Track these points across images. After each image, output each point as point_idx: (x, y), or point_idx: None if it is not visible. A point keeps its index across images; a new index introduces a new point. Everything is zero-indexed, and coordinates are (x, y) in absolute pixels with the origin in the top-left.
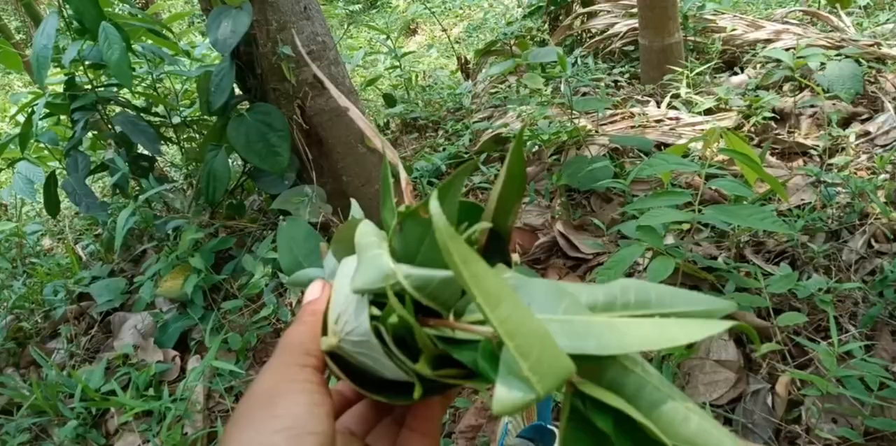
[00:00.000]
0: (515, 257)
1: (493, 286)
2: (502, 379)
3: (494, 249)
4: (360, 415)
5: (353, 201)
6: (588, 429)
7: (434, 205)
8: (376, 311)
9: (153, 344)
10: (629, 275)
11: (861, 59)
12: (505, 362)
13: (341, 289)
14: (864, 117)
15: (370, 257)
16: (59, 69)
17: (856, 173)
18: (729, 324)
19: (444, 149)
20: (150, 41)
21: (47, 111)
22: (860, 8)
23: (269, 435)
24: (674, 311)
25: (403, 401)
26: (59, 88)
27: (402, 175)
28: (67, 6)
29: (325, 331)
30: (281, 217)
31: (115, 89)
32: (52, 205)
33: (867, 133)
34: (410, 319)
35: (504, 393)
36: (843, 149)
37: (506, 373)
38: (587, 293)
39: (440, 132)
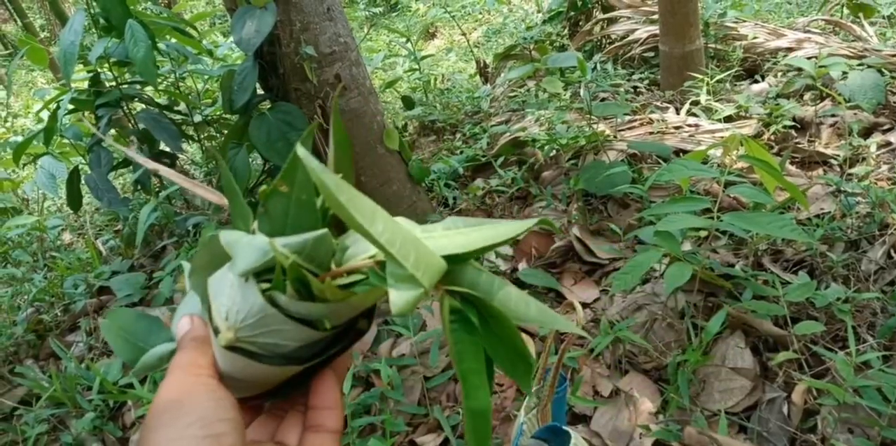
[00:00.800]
0: None
1: (366, 206)
2: (392, 285)
3: None
4: (259, 424)
5: (184, 263)
6: (464, 327)
7: (301, 150)
8: (265, 286)
9: None
10: (645, 280)
11: (884, 70)
12: (390, 273)
13: (221, 292)
14: (885, 127)
15: (244, 244)
16: (83, 66)
17: (876, 183)
18: (533, 221)
19: (461, 152)
20: (174, 40)
21: (72, 107)
22: (884, 18)
23: (183, 429)
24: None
25: (299, 390)
26: (84, 85)
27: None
28: (94, 3)
29: (216, 334)
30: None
31: (138, 86)
32: (75, 200)
33: (888, 143)
34: (306, 274)
35: (397, 295)
36: (863, 159)
37: (393, 280)
38: (429, 227)
39: (458, 135)
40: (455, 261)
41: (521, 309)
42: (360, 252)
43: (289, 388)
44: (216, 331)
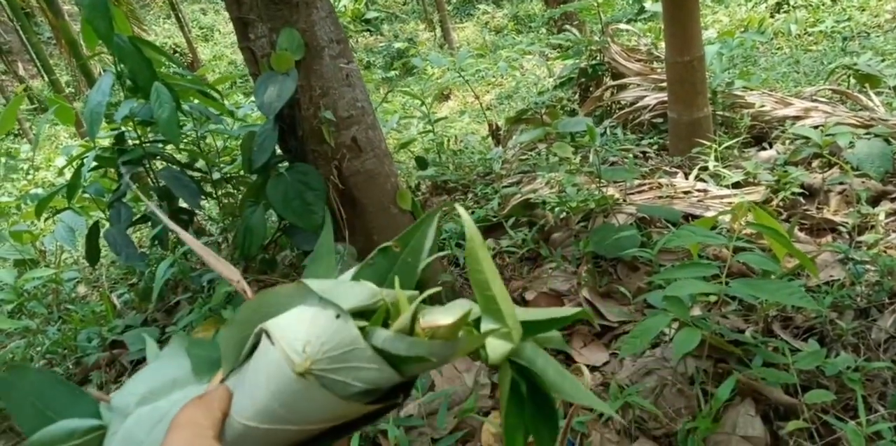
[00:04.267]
0: None
1: (494, 272)
2: (490, 339)
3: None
4: None
5: (147, 337)
6: (516, 391)
7: (462, 211)
8: (362, 323)
9: None
10: (655, 344)
11: (891, 139)
12: (484, 330)
13: (291, 330)
14: (893, 196)
15: (348, 287)
16: (107, 123)
17: (885, 252)
18: (574, 310)
19: (472, 213)
20: (196, 101)
21: (96, 164)
22: (889, 88)
23: None
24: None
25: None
26: (107, 142)
27: (249, 292)
28: (122, 65)
29: (290, 364)
30: None
31: (160, 145)
32: (93, 254)
33: None
34: (416, 317)
35: (496, 345)
36: (872, 226)
37: (493, 333)
38: None
39: (469, 195)
40: (529, 330)
41: (574, 391)
42: (436, 318)
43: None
44: (290, 363)
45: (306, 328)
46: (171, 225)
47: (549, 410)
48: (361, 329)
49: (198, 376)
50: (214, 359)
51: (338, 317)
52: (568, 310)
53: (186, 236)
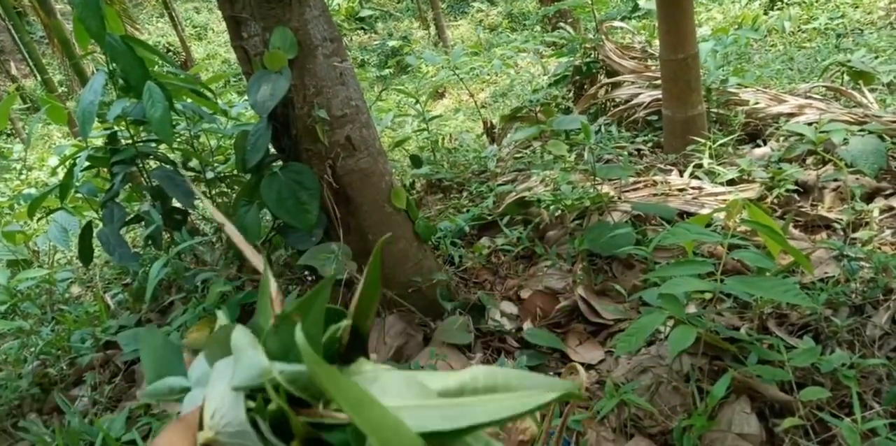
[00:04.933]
0: (373, 356)
1: (356, 394)
2: None
3: (356, 345)
4: None
5: (219, 312)
6: None
7: (299, 337)
8: (252, 404)
9: None
10: (650, 342)
11: (885, 135)
12: None
13: (216, 388)
14: (888, 192)
15: (247, 357)
16: (100, 123)
17: (880, 248)
18: (555, 394)
19: (467, 211)
20: (189, 100)
21: (88, 164)
22: (883, 85)
23: None
24: (517, 393)
25: None
26: (100, 142)
27: (273, 286)
28: (114, 65)
29: (201, 428)
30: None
31: (153, 144)
32: (86, 254)
33: (891, 208)
34: (285, 407)
35: None
36: (866, 223)
37: None
38: (441, 380)
39: (464, 193)
40: (444, 438)
41: None
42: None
43: None
44: (201, 426)
45: (221, 392)
46: (195, 191)
47: None
48: (249, 410)
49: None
50: (211, 363)
51: (239, 391)
52: (537, 397)
53: (223, 220)
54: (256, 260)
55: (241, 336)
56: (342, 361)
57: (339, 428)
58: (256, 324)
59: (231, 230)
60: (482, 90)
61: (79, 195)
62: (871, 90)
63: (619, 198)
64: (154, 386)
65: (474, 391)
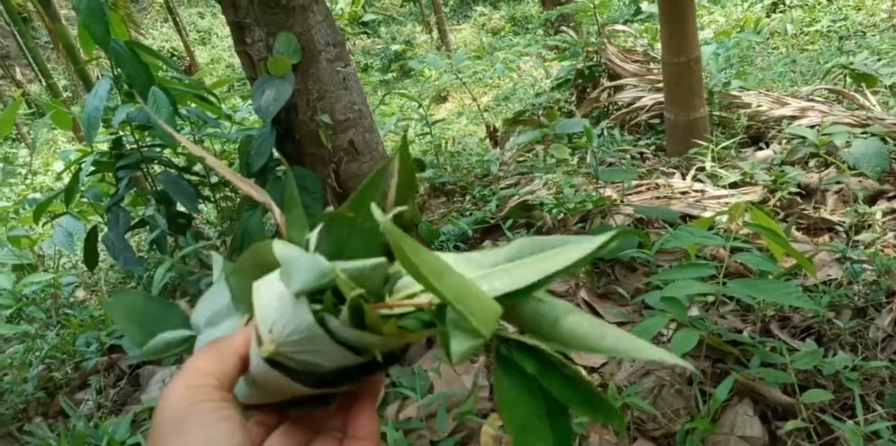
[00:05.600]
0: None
1: (436, 265)
2: (453, 335)
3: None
4: (287, 435)
5: (215, 255)
6: (517, 375)
7: (378, 213)
8: (316, 307)
9: None
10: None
11: (887, 138)
12: (451, 321)
13: (267, 302)
14: (891, 195)
15: (302, 262)
16: (104, 128)
17: (882, 251)
18: (597, 243)
19: (470, 214)
20: (194, 105)
21: (94, 168)
22: (886, 87)
23: None
24: (563, 248)
25: (324, 405)
26: (105, 146)
27: (276, 212)
28: (119, 70)
29: (259, 343)
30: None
31: (158, 149)
32: (91, 258)
33: (894, 210)
34: (365, 306)
35: (458, 344)
36: (869, 226)
37: (455, 329)
38: (490, 257)
39: (467, 197)
40: (515, 298)
41: (592, 339)
42: (411, 282)
43: (315, 402)
44: (259, 341)
45: (276, 305)
46: (194, 148)
47: (581, 385)
48: (317, 312)
49: (237, 309)
50: (244, 288)
51: (297, 297)
52: (582, 248)
53: (203, 153)
54: (254, 191)
55: (283, 246)
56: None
57: (408, 315)
58: (290, 239)
59: (215, 162)
60: (485, 94)
61: (84, 200)
62: (874, 93)
63: (622, 202)
64: (151, 343)
65: (520, 256)
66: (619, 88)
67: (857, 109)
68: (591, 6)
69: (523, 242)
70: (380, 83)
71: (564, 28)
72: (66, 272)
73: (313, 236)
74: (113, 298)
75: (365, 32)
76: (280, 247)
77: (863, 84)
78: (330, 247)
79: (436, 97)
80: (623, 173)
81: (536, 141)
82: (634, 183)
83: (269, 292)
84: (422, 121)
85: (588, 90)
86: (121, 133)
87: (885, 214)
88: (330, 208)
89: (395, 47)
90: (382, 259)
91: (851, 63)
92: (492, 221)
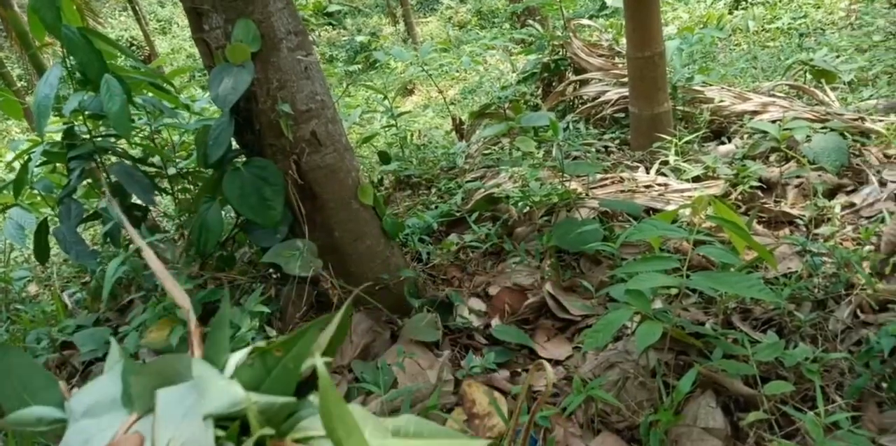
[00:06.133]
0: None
1: (350, 427)
2: None
3: (313, 380)
4: None
5: (113, 343)
6: None
7: (321, 367)
8: (220, 433)
9: None
10: (617, 338)
11: (846, 133)
12: None
13: (170, 415)
14: (849, 189)
15: (218, 387)
16: (57, 118)
17: (841, 244)
18: (484, 441)
19: (436, 207)
20: (150, 94)
21: (44, 159)
22: (845, 83)
23: None
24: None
25: None
26: (57, 136)
27: (192, 322)
28: (71, 57)
29: None
30: None
31: (112, 139)
32: (42, 252)
33: (852, 204)
34: (268, 433)
35: None
36: (828, 219)
37: None
38: (384, 422)
39: (433, 190)
40: None
41: None
42: (311, 425)
43: None
44: None
45: (179, 421)
46: (130, 228)
47: None
48: (219, 439)
49: (126, 406)
50: (145, 391)
51: (205, 419)
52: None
53: (142, 244)
54: (183, 299)
55: (203, 367)
56: (297, 394)
57: None
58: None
59: (150, 256)
60: (451, 87)
61: (35, 191)
62: (833, 88)
63: (587, 195)
64: (21, 413)
65: (406, 434)
66: (584, 82)
67: (816, 105)
68: (557, 0)
69: (410, 420)
70: (345, 75)
71: (531, 22)
72: (18, 266)
73: (233, 361)
74: (5, 351)
75: (330, 23)
76: (198, 366)
77: (822, 80)
78: (250, 377)
79: (402, 90)
80: (588, 167)
81: (502, 134)
82: (599, 176)
83: (174, 405)
84: (387, 113)
85: (554, 84)
86: (73, 122)
87: (843, 208)
88: (265, 341)
89: (360, 39)
90: (293, 398)
91: (811, 60)
92: (457, 214)
